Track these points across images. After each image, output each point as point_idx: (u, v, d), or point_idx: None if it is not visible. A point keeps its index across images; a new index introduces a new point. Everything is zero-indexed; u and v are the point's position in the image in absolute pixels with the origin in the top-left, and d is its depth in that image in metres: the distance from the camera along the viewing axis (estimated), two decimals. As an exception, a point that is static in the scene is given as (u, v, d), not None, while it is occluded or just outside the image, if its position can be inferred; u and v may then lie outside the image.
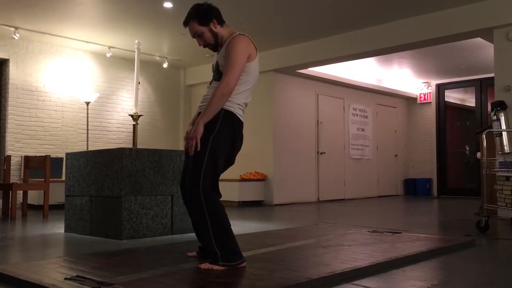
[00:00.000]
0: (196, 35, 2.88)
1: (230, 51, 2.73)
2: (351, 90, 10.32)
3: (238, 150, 2.86)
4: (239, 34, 2.81)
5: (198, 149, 2.65)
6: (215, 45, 2.90)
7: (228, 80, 2.67)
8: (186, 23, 2.90)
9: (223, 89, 2.67)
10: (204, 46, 2.93)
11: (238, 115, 2.78)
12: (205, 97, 2.85)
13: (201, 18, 2.84)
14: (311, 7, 6.46)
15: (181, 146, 9.75)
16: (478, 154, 4.82)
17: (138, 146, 4.66)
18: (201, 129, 2.65)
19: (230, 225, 2.70)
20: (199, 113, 2.84)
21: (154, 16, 6.82)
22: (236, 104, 2.76)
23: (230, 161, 2.82)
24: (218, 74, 2.81)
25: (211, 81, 2.92)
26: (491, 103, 5.69)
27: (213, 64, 2.92)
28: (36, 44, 7.97)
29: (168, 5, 6.34)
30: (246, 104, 2.85)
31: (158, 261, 2.91)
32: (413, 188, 11.49)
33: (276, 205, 8.42)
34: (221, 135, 2.70)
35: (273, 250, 3.31)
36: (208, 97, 2.80)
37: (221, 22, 2.88)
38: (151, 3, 6.32)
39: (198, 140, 2.65)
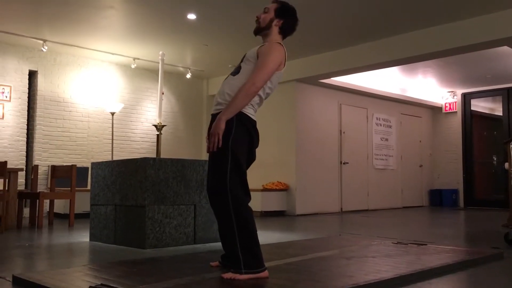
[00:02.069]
0: (265, 9, 2.95)
1: (265, 52, 2.76)
2: (374, 99, 10.24)
3: (257, 146, 2.88)
4: (280, 43, 2.87)
5: (220, 145, 2.65)
6: (259, 30, 2.95)
7: (255, 81, 2.69)
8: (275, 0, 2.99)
9: (248, 88, 2.68)
10: (256, 21, 2.97)
11: (249, 115, 2.78)
12: (217, 100, 2.84)
13: (279, 8, 2.93)
14: (334, 16, 6.45)
15: (203, 156, 9.80)
16: (506, 165, 4.71)
17: (162, 156, 4.71)
18: (222, 125, 2.65)
19: (256, 231, 2.69)
20: (212, 115, 2.84)
21: (178, 28, 6.91)
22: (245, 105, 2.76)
23: (251, 158, 2.85)
24: (237, 68, 2.86)
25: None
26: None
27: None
28: (63, 56, 8.16)
29: (191, 16, 6.42)
30: (255, 109, 2.85)
31: (181, 271, 2.92)
32: (439, 199, 11.28)
33: (298, 215, 8.37)
34: (238, 136, 2.71)
35: (296, 261, 3.29)
36: (219, 100, 2.80)
37: (284, 31, 2.94)
38: (175, 15, 6.41)
39: (220, 137, 2.65)
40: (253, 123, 2.82)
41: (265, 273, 2.65)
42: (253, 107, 2.82)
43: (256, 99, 2.81)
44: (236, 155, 2.69)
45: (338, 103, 9.47)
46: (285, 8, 2.95)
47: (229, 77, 2.88)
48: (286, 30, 2.96)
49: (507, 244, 4.36)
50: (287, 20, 2.93)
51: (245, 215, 2.66)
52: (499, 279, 3.02)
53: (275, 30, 2.92)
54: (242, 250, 2.61)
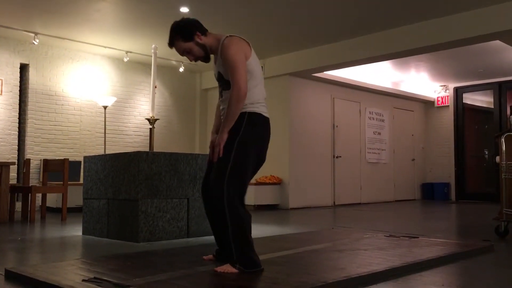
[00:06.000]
0: (185, 52, 2.86)
1: (226, 57, 2.71)
2: (367, 93, 10.26)
3: (267, 146, 2.86)
4: (227, 36, 2.80)
5: (221, 155, 2.68)
6: (206, 56, 2.89)
7: (238, 85, 2.66)
8: (171, 44, 2.87)
9: (236, 95, 2.66)
10: (196, 60, 2.91)
11: (263, 113, 2.79)
12: (223, 111, 2.83)
13: (184, 35, 2.82)
14: (327, 11, 6.45)
15: (197, 150, 9.80)
16: (497, 158, 4.75)
17: (155, 150, 4.70)
18: (224, 136, 2.69)
19: (250, 234, 2.67)
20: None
21: (171, 21, 6.81)
22: (256, 102, 2.76)
23: (262, 159, 2.82)
24: (226, 83, 2.79)
25: (220, 92, 2.89)
26: (510, 106, 5.61)
27: (215, 74, 2.91)
28: (55, 49, 8.10)
29: (184, 9, 6.39)
30: (264, 98, 2.85)
31: (174, 264, 2.93)
32: (431, 193, 11.36)
33: (291, 209, 8.41)
34: (247, 137, 2.70)
35: (288, 254, 3.31)
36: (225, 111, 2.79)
37: (203, 32, 2.86)
38: (168, 8, 6.38)
39: (221, 147, 2.68)
40: (267, 121, 2.81)
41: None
42: (262, 103, 2.79)
43: (258, 93, 2.77)
44: (240, 159, 2.67)
45: (331, 97, 9.49)
46: (183, 29, 2.84)
47: (224, 93, 2.81)
48: (203, 29, 2.87)
49: (497, 237, 4.40)
50: (195, 28, 2.84)
51: (240, 223, 2.61)
52: (490, 271, 3.05)
53: (205, 40, 2.83)
54: (236, 251, 2.63)
